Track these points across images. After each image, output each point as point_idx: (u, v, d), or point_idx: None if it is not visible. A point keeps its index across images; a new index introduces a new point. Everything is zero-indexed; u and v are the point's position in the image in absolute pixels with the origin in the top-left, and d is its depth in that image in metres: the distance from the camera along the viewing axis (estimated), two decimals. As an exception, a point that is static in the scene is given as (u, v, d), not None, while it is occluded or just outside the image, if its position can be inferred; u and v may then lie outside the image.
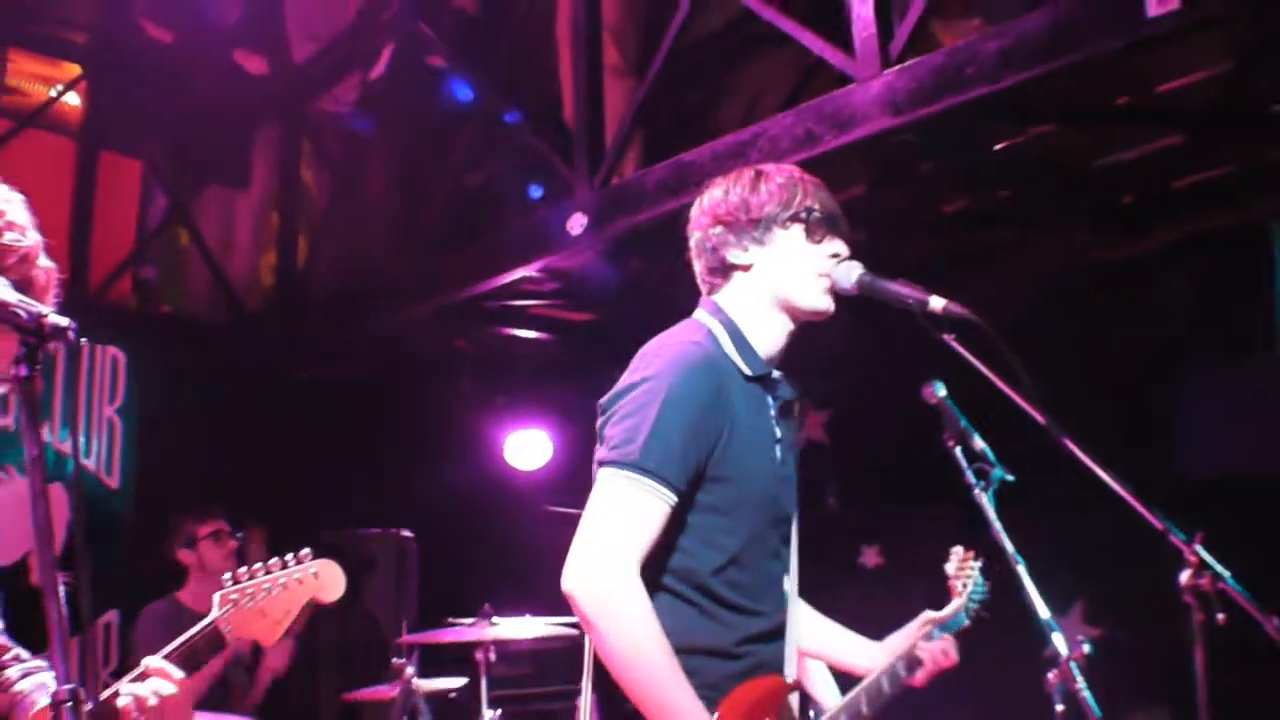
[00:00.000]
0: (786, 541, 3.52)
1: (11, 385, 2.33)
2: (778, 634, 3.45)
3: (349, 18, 9.00)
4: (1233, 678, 3.16)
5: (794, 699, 3.44)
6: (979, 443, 3.62)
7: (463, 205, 8.04)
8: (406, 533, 8.22)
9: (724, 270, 3.55)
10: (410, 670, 6.27)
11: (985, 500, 3.61)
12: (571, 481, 3.55)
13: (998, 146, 5.78)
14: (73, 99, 9.16)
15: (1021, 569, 3.55)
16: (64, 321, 2.39)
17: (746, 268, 3.52)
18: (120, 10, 9.16)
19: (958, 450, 3.63)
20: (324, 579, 3.42)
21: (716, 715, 3.21)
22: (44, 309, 2.40)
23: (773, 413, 3.51)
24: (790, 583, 3.53)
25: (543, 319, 7.99)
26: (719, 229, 3.54)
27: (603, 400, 3.38)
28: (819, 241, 3.50)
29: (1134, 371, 6.46)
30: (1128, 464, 3.24)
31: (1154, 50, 4.75)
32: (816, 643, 3.90)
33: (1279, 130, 5.69)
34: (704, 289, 3.62)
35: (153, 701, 2.90)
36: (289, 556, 3.41)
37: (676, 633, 3.21)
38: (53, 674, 2.31)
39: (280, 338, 8.58)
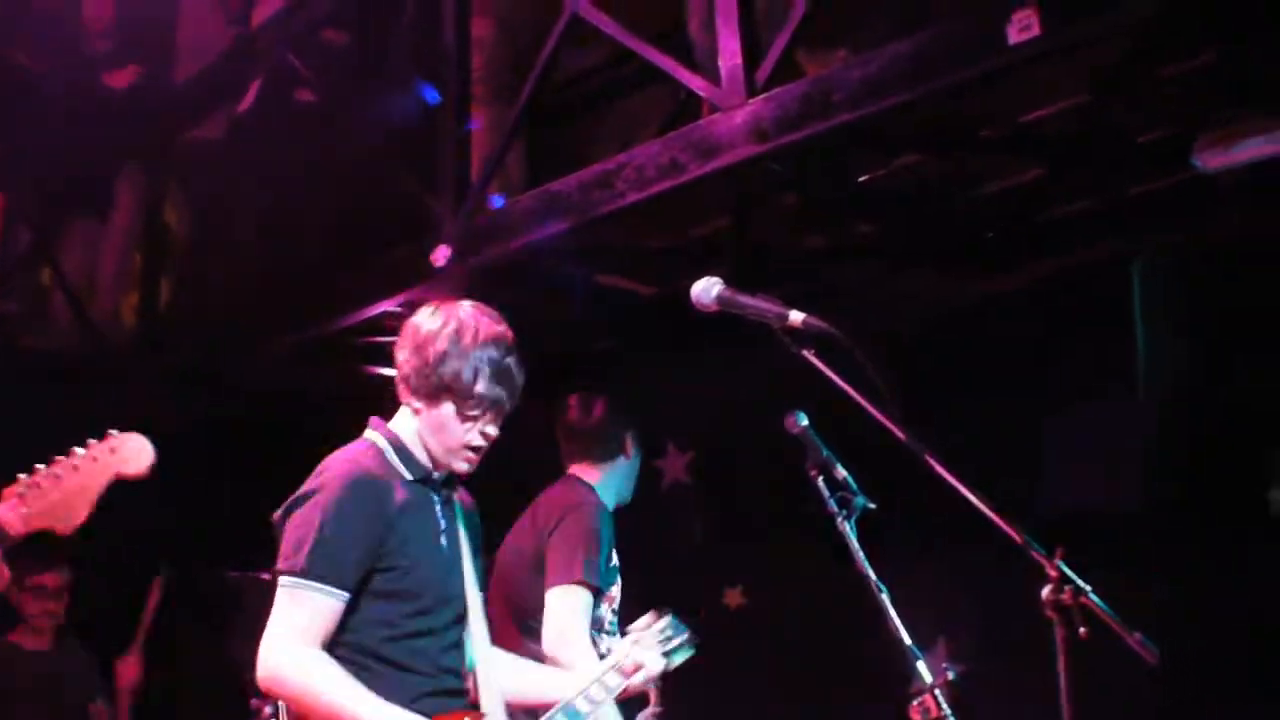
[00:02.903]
0: (463, 614, 4.02)
1: None
2: (459, 694, 3.97)
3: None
4: (1096, 695, 3.15)
5: None
6: (841, 472, 3.62)
7: (329, 240, 7.93)
8: (268, 575, 8.07)
9: (408, 396, 4.09)
10: (269, 710, 6.17)
11: (848, 530, 3.60)
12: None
13: (862, 179, 5.81)
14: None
15: (885, 599, 3.54)
16: None
17: (417, 411, 4.05)
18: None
19: (820, 480, 3.62)
20: (124, 454, 3.37)
21: None
22: None
23: (438, 508, 4.04)
24: (478, 648, 4.06)
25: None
26: (409, 372, 4.08)
27: (276, 514, 3.96)
28: (471, 422, 3.99)
29: (995, 410, 6.50)
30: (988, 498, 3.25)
31: (1016, 79, 4.82)
32: (520, 690, 4.30)
33: (1138, 163, 5.77)
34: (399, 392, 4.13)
35: None
36: (90, 440, 3.32)
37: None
38: None
39: (143, 378, 8.39)
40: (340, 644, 3.78)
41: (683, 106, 6.52)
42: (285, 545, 3.83)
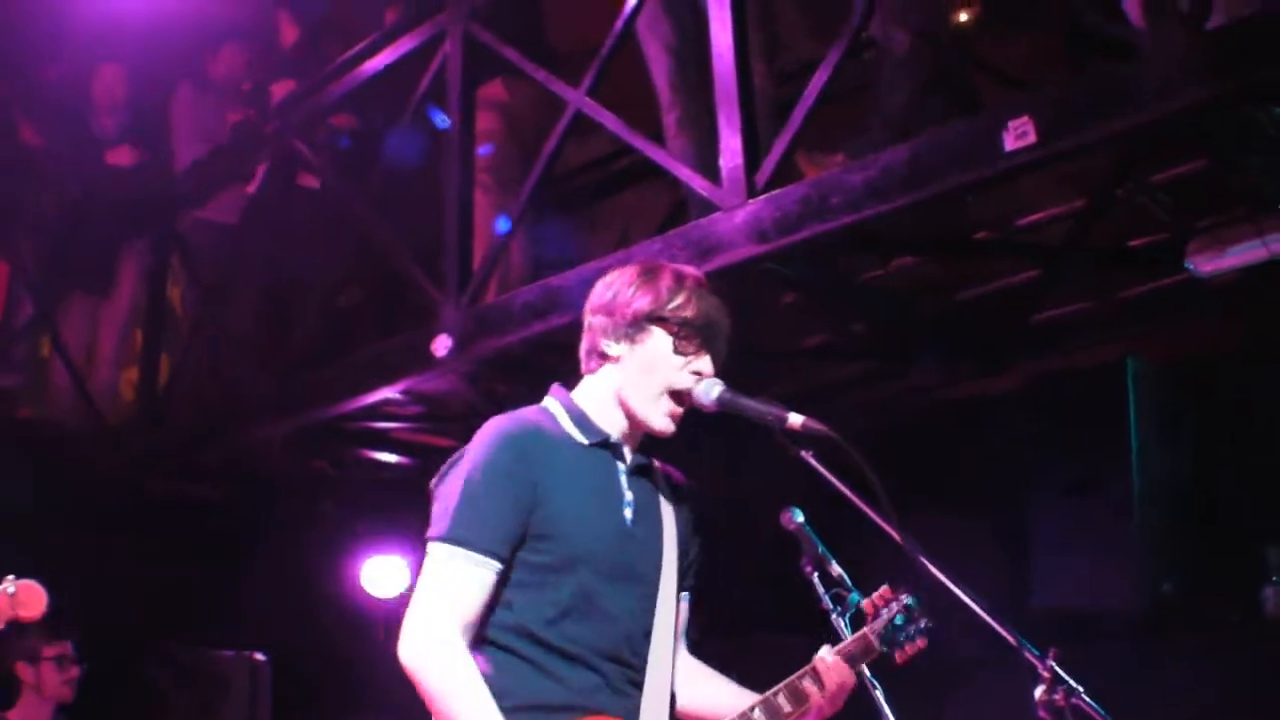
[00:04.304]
0: (648, 601, 3.54)
1: None
2: (634, 688, 3.47)
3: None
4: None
5: None
6: (836, 568, 3.64)
7: (331, 325, 7.99)
8: (260, 656, 8.08)
9: (597, 356, 3.61)
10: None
11: (843, 626, 3.63)
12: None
13: (860, 278, 5.88)
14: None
15: (879, 695, 3.57)
16: None
17: (615, 359, 3.58)
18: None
19: (815, 576, 3.65)
20: (21, 598, 3.70)
21: None
22: None
23: (623, 477, 3.55)
24: (657, 644, 3.53)
25: (405, 442, 7.92)
26: (600, 316, 3.61)
27: (433, 480, 3.51)
28: (685, 354, 3.55)
29: (987, 508, 6.54)
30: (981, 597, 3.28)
31: (1012, 184, 4.90)
32: (702, 704, 3.81)
33: (1131, 266, 5.86)
34: (582, 368, 3.68)
35: None
36: None
37: (515, 691, 3.28)
38: None
39: (139, 452, 8.43)
40: (495, 623, 3.35)
41: (680, 205, 6.62)
42: (433, 511, 3.41)
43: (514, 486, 3.35)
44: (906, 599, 3.63)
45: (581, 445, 3.51)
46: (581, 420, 3.55)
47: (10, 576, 3.50)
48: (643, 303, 3.56)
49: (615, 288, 3.63)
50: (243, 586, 8.37)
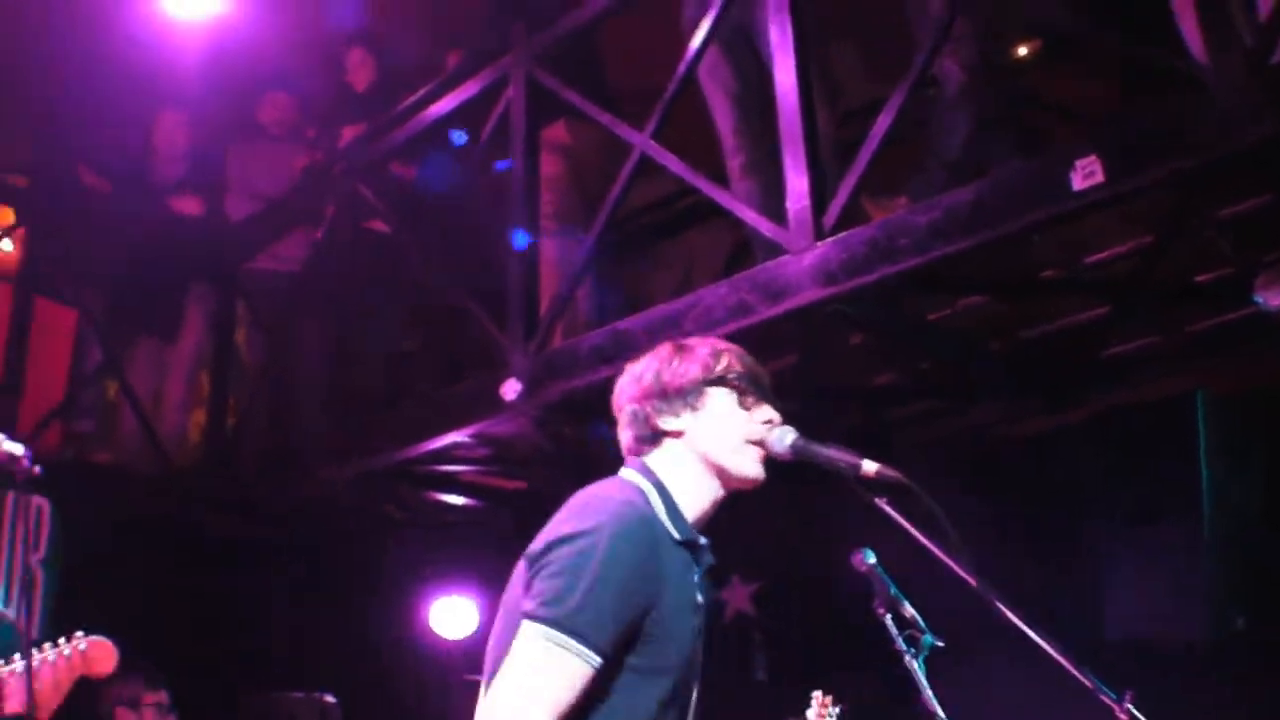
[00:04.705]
0: (687, 707, 3.46)
1: None
2: None
3: (292, 176, 9.12)
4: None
5: None
6: (909, 610, 3.63)
7: (396, 369, 8.04)
8: (330, 697, 8.11)
9: (654, 438, 3.53)
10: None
11: (916, 667, 3.63)
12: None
13: (928, 318, 5.89)
14: (7, 244, 9.17)
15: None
16: (18, 449, 2.48)
17: (678, 434, 3.52)
18: (59, 157, 9.25)
19: (888, 618, 3.65)
20: (93, 655, 3.77)
21: None
22: None
23: (697, 579, 3.45)
24: None
25: (473, 485, 7.95)
26: (650, 399, 3.54)
27: (532, 549, 3.29)
28: (749, 407, 3.53)
29: (1056, 543, 6.53)
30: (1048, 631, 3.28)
31: (1077, 222, 4.89)
32: None
33: (1198, 300, 5.85)
34: (630, 456, 3.59)
35: None
36: (60, 640, 3.76)
37: None
38: None
39: (207, 495, 8.50)
40: None
41: (744, 245, 6.63)
42: (544, 587, 3.16)
43: (637, 585, 3.21)
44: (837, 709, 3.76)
45: (674, 540, 3.40)
46: (674, 511, 3.45)
47: (79, 633, 3.55)
48: (695, 371, 3.53)
49: (654, 370, 3.57)
50: (312, 628, 8.42)
